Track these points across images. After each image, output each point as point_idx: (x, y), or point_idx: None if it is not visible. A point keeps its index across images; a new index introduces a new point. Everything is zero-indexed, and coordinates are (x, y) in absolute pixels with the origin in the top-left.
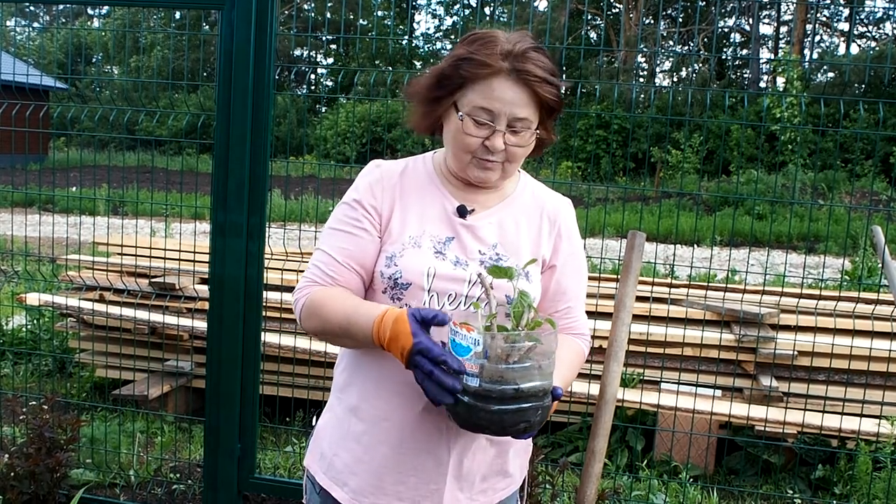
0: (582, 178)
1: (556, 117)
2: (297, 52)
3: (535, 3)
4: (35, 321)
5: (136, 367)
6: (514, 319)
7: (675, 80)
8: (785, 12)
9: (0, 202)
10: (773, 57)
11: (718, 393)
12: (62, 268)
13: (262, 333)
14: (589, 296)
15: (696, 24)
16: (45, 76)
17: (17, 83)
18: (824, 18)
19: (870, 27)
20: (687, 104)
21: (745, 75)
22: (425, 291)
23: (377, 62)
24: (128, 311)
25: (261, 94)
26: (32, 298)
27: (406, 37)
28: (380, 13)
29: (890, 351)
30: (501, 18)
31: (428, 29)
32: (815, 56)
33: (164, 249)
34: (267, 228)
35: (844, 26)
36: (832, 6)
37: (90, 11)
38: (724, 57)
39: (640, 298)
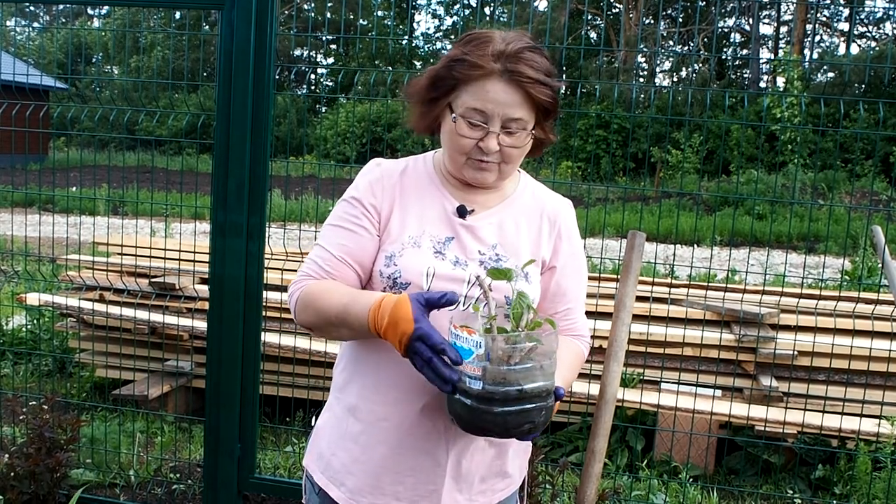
0: (582, 178)
1: (553, 118)
2: (297, 52)
3: (535, 3)
4: (35, 321)
5: (136, 367)
6: (514, 321)
7: (675, 80)
8: (785, 12)
9: (0, 202)
10: (773, 57)
11: (718, 393)
12: (62, 268)
13: (262, 333)
14: (589, 296)
15: (696, 24)
16: (45, 76)
17: (17, 83)
18: (824, 18)
19: (870, 27)
20: (687, 104)
21: (745, 75)
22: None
23: (377, 62)
24: (128, 311)
25: (261, 94)
26: (32, 298)
27: (406, 37)
28: (380, 13)
29: (890, 351)
30: (501, 18)
31: (428, 29)
32: (815, 56)
33: (164, 249)
34: (267, 228)
35: (844, 26)
36: (832, 6)
37: (90, 11)
38: (724, 57)
39: (640, 298)
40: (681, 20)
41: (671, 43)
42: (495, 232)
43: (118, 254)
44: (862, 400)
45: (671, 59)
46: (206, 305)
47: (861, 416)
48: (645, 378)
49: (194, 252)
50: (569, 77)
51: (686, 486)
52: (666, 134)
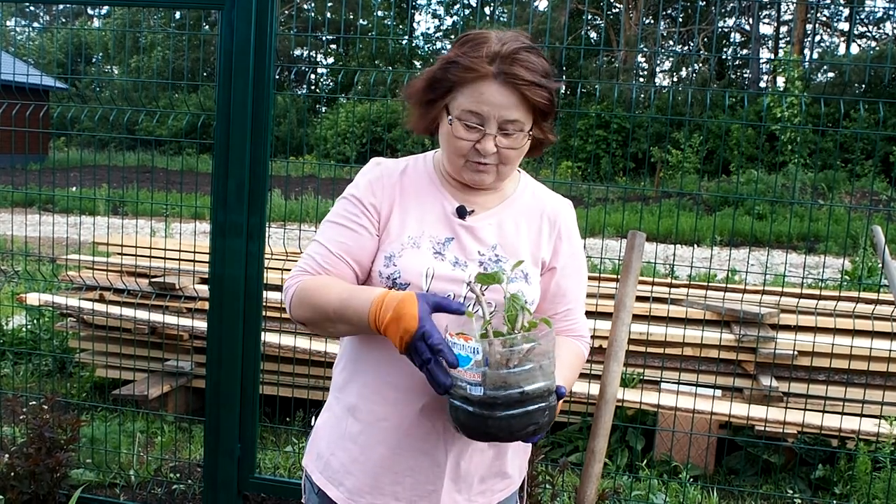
0: (582, 178)
1: (551, 118)
2: (297, 52)
3: (535, 3)
4: (35, 321)
5: (136, 367)
6: (509, 323)
7: (675, 80)
8: (785, 12)
9: (0, 202)
10: (773, 57)
11: (718, 393)
12: (62, 268)
13: (262, 333)
14: (589, 296)
15: (696, 24)
16: (45, 76)
17: (17, 83)
18: (824, 18)
19: (870, 27)
20: (687, 104)
21: (745, 75)
22: (424, 292)
23: (377, 62)
24: (128, 311)
25: (261, 94)
26: (32, 298)
27: (406, 37)
28: (380, 13)
29: (890, 351)
30: (501, 18)
31: (428, 29)
32: (815, 56)
33: (164, 249)
34: (267, 228)
35: (844, 26)
36: (832, 6)
37: (90, 11)
38: (724, 57)
39: (640, 298)
40: (681, 20)
41: (671, 43)
42: (495, 233)
43: (118, 254)
44: (862, 400)
45: (671, 59)
46: (206, 305)
47: (861, 416)
48: (645, 378)
49: (194, 252)
50: (569, 77)
51: (686, 486)
52: (666, 134)
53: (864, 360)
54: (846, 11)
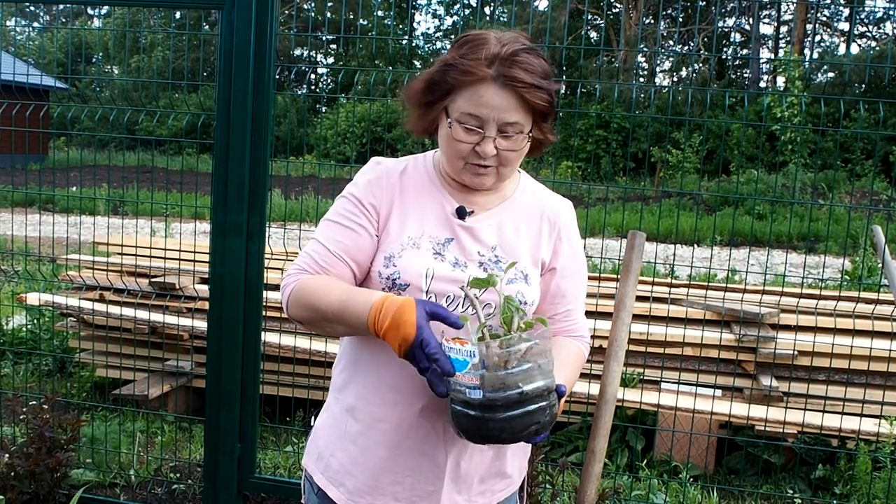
0: (582, 178)
1: (551, 119)
2: (297, 52)
3: (535, 3)
4: (35, 321)
5: (136, 367)
6: (505, 325)
7: (675, 79)
8: (785, 12)
9: (0, 202)
10: (773, 57)
11: (718, 393)
12: (62, 268)
13: (262, 333)
14: (589, 296)
15: (696, 24)
16: (45, 76)
17: (17, 83)
18: (824, 18)
19: (870, 27)
20: (687, 104)
21: (745, 75)
22: (423, 292)
23: (377, 62)
24: (128, 311)
25: (261, 94)
26: (32, 298)
27: (406, 37)
28: (380, 13)
29: (890, 351)
30: (501, 18)
31: (428, 29)
32: (815, 56)
33: (165, 249)
34: (267, 228)
35: (844, 26)
36: (832, 6)
37: (90, 11)
38: (724, 57)
39: (640, 298)
40: (681, 20)
41: (671, 43)
42: (495, 233)
43: (118, 254)
44: (862, 400)
45: (671, 58)
46: (206, 305)
47: (861, 415)
48: (645, 378)
49: (194, 252)
50: (569, 77)
51: (686, 485)
52: (666, 134)
53: (864, 360)
54: (846, 11)
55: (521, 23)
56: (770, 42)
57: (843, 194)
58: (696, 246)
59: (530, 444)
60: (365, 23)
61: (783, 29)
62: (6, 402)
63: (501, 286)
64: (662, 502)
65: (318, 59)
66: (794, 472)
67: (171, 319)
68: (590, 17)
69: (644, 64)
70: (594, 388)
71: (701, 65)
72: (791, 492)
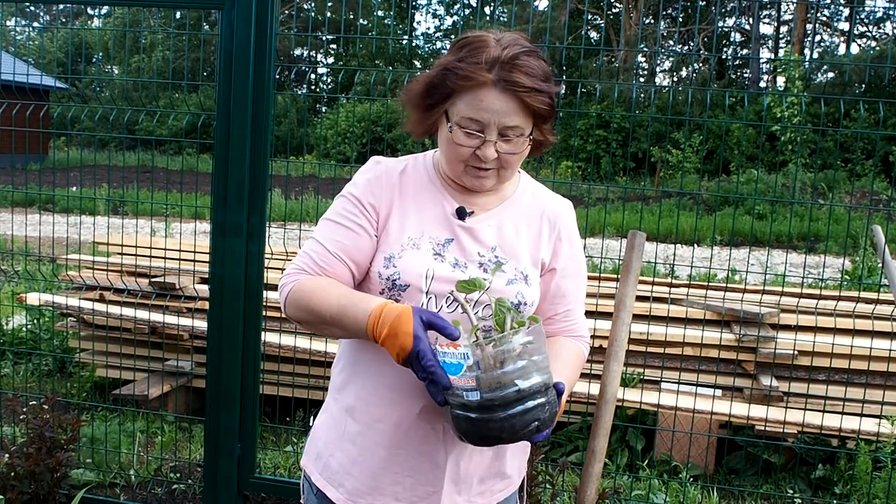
0: (582, 178)
1: (552, 121)
2: (297, 52)
3: (536, 3)
4: (35, 321)
5: (136, 367)
6: (498, 326)
7: (675, 79)
8: (785, 12)
9: (0, 202)
10: (773, 57)
11: (718, 393)
12: (62, 267)
13: (262, 333)
14: (589, 295)
15: (696, 24)
16: (45, 76)
17: (17, 83)
18: (824, 18)
19: (870, 27)
20: (687, 104)
21: (745, 75)
22: (423, 293)
23: (377, 62)
24: (128, 311)
25: (261, 94)
26: (32, 298)
27: (406, 37)
28: (380, 13)
29: (890, 351)
30: (501, 18)
31: (428, 29)
32: (815, 56)
33: (165, 249)
34: (267, 228)
35: (844, 26)
36: (832, 6)
37: (90, 11)
38: (724, 57)
39: (640, 298)
40: (681, 20)
41: (671, 43)
42: (494, 234)
43: (118, 254)
44: (862, 400)
45: (671, 58)
46: (206, 305)
47: (861, 415)
48: (645, 378)
49: (194, 252)
50: (569, 77)
51: (686, 485)
52: (666, 134)
53: (864, 360)
54: (846, 11)
55: (521, 23)
56: (770, 42)
57: (843, 194)
58: (696, 246)
59: (530, 444)
60: (365, 23)
61: (783, 29)
62: (6, 402)
63: (493, 287)
64: (662, 502)
65: (318, 59)
66: (794, 472)
67: (171, 319)
68: (590, 17)
69: (644, 64)
70: (594, 388)
71: (701, 65)
72: (791, 492)
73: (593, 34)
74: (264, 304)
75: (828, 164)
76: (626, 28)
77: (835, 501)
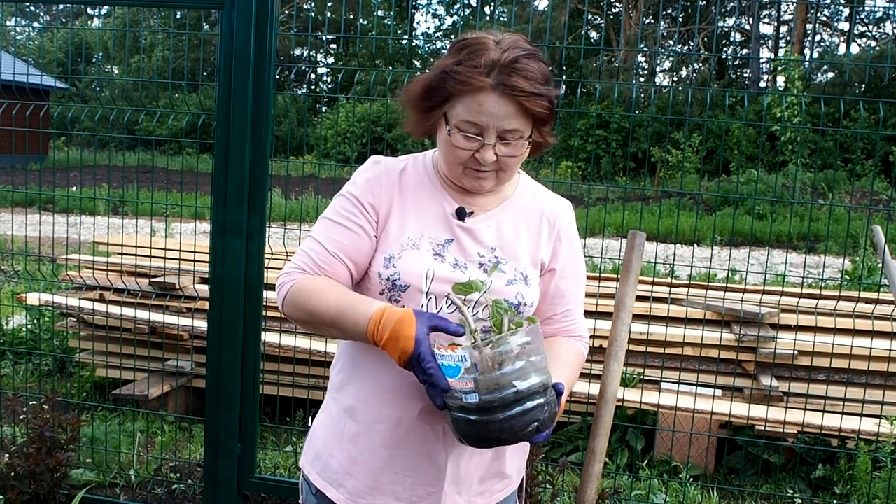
0: (582, 178)
1: (551, 124)
2: (297, 52)
3: (535, 3)
4: (35, 321)
5: (136, 367)
6: (496, 328)
7: (675, 79)
8: (785, 12)
9: (0, 202)
10: (773, 57)
11: (718, 393)
12: (62, 267)
13: (262, 333)
14: (589, 295)
15: (696, 24)
16: (45, 76)
17: (17, 83)
18: (824, 18)
19: (870, 27)
20: (687, 104)
21: (745, 75)
22: (423, 294)
23: (377, 62)
24: (128, 311)
25: (261, 94)
26: (32, 298)
27: (406, 37)
28: (380, 13)
29: (890, 351)
30: (501, 18)
31: (428, 29)
32: (815, 56)
33: (165, 249)
34: (267, 228)
35: (844, 26)
36: (832, 6)
37: (90, 11)
38: (724, 57)
39: (640, 298)
40: (681, 20)
41: (671, 42)
42: (494, 234)
43: (118, 254)
44: (862, 400)
45: (671, 58)
46: (206, 305)
47: (861, 415)
48: (645, 378)
49: (194, 252)
50: (569, 76)
51: (686, 485)
52: (666, 133)
53: (864, 360)
54: (846, 11)
55: (521, 22)
56: (770, 42)
57: (843, 194)
58: (696, 246)
59: (529, 444)
60: (365, 23)
61: (783, 29)
62: (6, 402)
63: (492, 288)
64: (662, 502)
65: (318, 59)
66: (794, 472)
67: (171, 319)
68: (590, 16)
69: (644, 64)
70: (594, 388)
71: (701, 65)
72: (791, 492)
73: (593, 34)
74: (264, 304)
75: (828, 164)
76: (626, 28)
77: (835, 501)
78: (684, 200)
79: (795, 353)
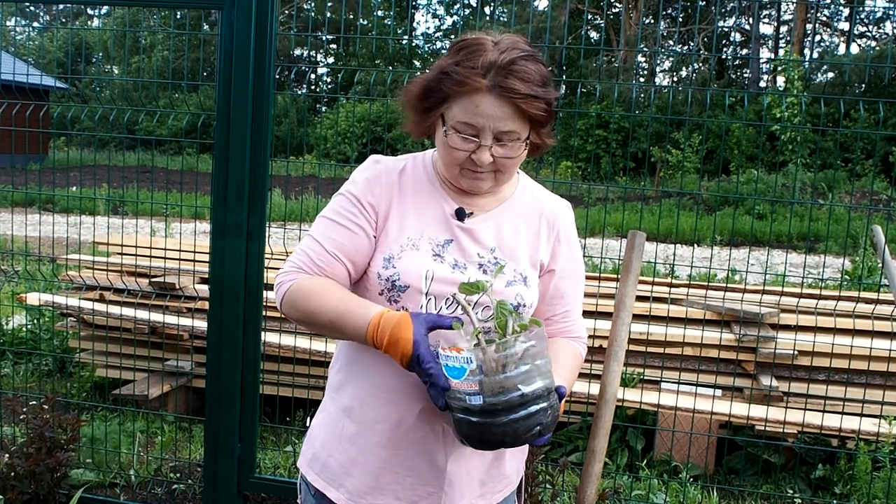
0: (582, 178)
1: (549, 125)
2: (297, 52)
3: (535, 3)
4: (35, 321)
5: (136, 367)
6: (500, 329)
7: (675, 79)
8: (785, 12)
9: (0, 202)
10: (773, 57)
11: (718, 393)
12: (62, 267)
13: (262, 333)
14: (589, 295)
15: (696, 24)
16: (45, 76)
17: (17, 83)
18: (824, 18)
19: (870, 27)
20: (687, 104)
21: (745, 75)
22: (423, 294)
23: (377, 62)
24: (128, 311)
25: (261, 94)
26: (32, 298)
27: (406, 37)
28: (380, 13)
29: (890, 351)
30: (501, 18)
31: (428, 29)
32: (815, 56)
33: (165, 249)
34: (267, 228)
35: (844, 26)
36: (832, 6)
37: (90, 11)
38: (724, 57)
39: (640, 298)
40: (681, 20)
41: (671, 43)
42: (493, 235)
43: (118, 254)
44: (862, 400)
45: (671, 58)
46: (206, 305)
47: (861, 415)
48: (645, 378)
49: (194, 252)
50: (569, 76)
51: (686, 485)
52: (666, 134)
53: (864, 360)
54: (846, 11)
55: (521, 22)
56: (770, 42)
57: (843, 194)
58: (696, 246)
59: (527, 445)
60: (365, 23)
61: (783, 29)
62: (6, 402)
63: (493, 290)
64: (662, 502)
65: (318, 59)
66: (794, 472)
67: (171, 319)
68: (590, 16)
69: (644, 64)
70: (594, 388)
71: (701, 65)
72: (791, 492)
73: (593, 34)
74: (264, 304)
75: (828, 164)
76: (626, 28)
77: (835, 501)
78: (684, 200)
79: (795, 353)
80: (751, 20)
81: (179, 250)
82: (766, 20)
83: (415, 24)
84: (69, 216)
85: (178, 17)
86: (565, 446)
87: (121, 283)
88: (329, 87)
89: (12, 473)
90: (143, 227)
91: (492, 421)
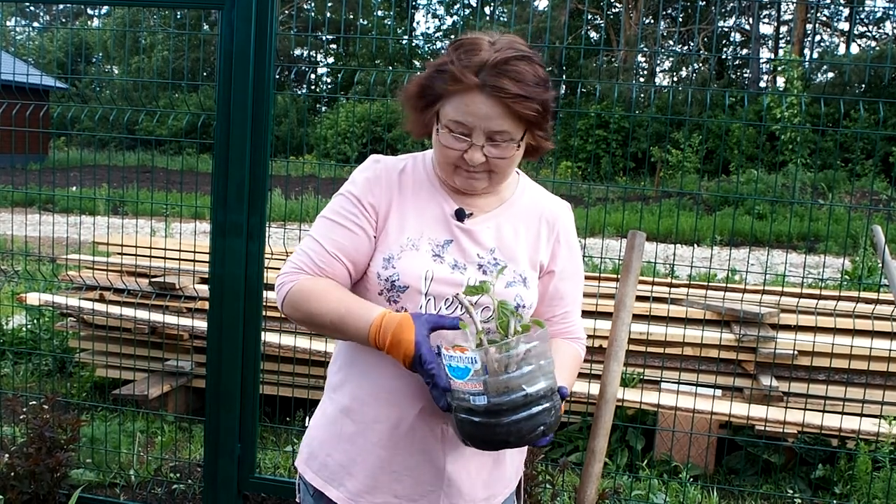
0: (582, 178)
1: (546, 126)
2: (297, 52)
3: (535, 3)
4: (35, 321)
5: (136, 367)
6: (502, 330)
7: (674, 79)
8: (785, 12)
9: (0, 202)
10: (773, 57)
11: (718, 393)
12: (62, 267)
13: (262, 333)
14: (589, 296)
15: (696, 24)
16: (45, 76)
17: (17, 83)
18: (824, 18)
19: (870, 27)
20: (687, 104)
21: (745, 75)
22: (422, 295)
23: (377, 62)
24: (128, 311)
25: (261, 94)
26: (32, 298)
27: (406, 37)
28: (380, 13)
29: (890, 351)
30: (501, 18)
31: (428, 29)
32: (815, 56)
33: (165, 249)
34: (267, 228)
35: (844, 26)
36: (832, 6)
37: (90, 11)
38: (724, 57)
39: (640, 298)
40: (681, 20)
41: (671, 43)
42: (493, 236)
43: (118, 254)
44: (862, 400)
45: (671, 58)
46: (206, 305)
47: (861, 415)
48: (645, 378)
49: (194, 252)
50: (569, 76)
51: (686, 485)
52: (666, 134)
53: (864, 360)
54: (846, 11)
55: (520, 22)
56: (770, 42)
57: (843, 194)
58: (696, 246)
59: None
60: (365, 23)
61: (783, 29)
62: (6, 402)
63: (493, 291)
64: (662, 502)
65: (318, 59)
66: (794, 472)
67: (171, 319)
68: (590, 16)
69: (644, 64)
70: (594, 388)
71: (701, 65)
72: (791, 492)
73: (593, 34)
74: (264, 304)
75: (828, 164)
76: (626, 28)
77: (835, 501)
78: (684, 200)
79: (795, 353)
80: (751, 20)
81: (179, 250)
82: (766, 20)
83: (415, 24)
84: (69, 216)
85: (178, 17)
86: (565, 446)
87: (121, 283)
88: (329, 87)
89: (12, 473)
90: (143, 227)
91: (496, 421)
